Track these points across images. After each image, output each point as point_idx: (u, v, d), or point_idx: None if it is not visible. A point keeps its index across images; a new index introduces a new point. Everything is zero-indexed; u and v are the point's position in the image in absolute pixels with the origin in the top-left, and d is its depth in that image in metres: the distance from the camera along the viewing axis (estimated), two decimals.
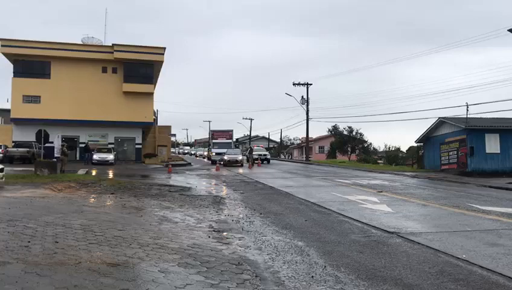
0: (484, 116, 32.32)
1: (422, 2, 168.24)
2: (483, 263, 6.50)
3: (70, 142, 36.37)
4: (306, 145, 59.97)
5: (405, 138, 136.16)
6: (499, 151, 28.82)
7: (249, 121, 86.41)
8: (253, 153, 43.20)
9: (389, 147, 62.18)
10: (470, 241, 8.15)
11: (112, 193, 14.41)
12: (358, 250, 7.29)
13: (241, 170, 31.53)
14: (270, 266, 6.21)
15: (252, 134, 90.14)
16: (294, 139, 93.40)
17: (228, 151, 40.43)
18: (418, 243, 7.88)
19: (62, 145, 24.62)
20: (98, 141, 39.85)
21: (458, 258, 6.81)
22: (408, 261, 6.63)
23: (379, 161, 56.52)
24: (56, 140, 25.42)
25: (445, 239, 8.23)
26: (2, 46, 36.11)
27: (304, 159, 59.34)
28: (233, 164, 37.23)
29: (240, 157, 38.94)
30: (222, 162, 37.71)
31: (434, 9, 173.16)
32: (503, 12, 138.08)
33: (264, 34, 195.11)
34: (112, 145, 39.36)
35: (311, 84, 53.43)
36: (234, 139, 59.22)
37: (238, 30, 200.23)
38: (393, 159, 53.63)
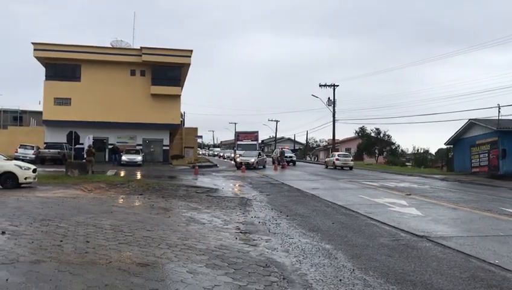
0: None
1: (444, 1, 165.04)
2: None
3: (99, 144, 37.07)
4: (332, 147, 59.45)
5: (434, 140, 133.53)
6: None
7: (275, 122, 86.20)
8: (278, 154, 43.09)
9: (418, 149, 60.89)
10: (503, 246, 7.95)
11: (141, 194, 14.63)
12: (387, 254, 7.20)
13: (267, 172, 31.54)
14: (297, 268, 6.19)
15: (278, 136, 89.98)
16: (320, 141, 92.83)
17: (244, 153, 39.79)
18: (449, 247, 7.73)
19: (89, 146, 25.09)
20: (127, 142, 40.44)
21: (491, 263, 6.65)
22: (438, 265, 6.51)
23: (407, 164, 55.56)
24: (87, 141, 25.93)
25: (476, 244, 8.05)
26: (34, 50, 37.11)
27: None
28: (245, 166, 34.62)
29: (253, 159, 36.21)
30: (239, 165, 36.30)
31: (456, 9, 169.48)
32: None
33: (287, 35, 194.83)
34: (140, 147, 39.95)
35: (337, 86, 52.92)
36: (260, 141, 59.23)
37: (261, 32, 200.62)
38: (421, 161, 52.65)
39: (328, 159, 42.19)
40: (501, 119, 29.36)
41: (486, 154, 30.36)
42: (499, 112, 29.14)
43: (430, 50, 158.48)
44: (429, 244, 8.03)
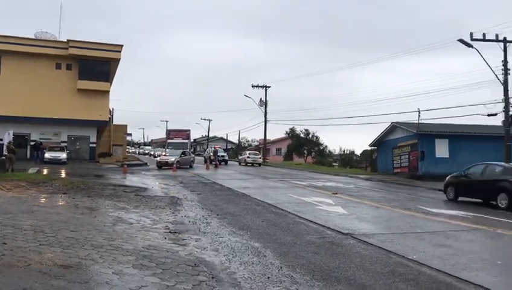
0: (435, 122, 33.57)
1: (376, 10, 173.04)
2: (432, 264, 6.77)
3: (20, 140, 34.92)
4: (263, 147, 60.33)
5: (360, 142, 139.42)
6: (448, 156, 30.03)
7: (207, 121, 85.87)
8: (210, 154, 43.23)
9: (344, 150, 63.55)
10: (420, 242, 8.46)
11: (64, 193, 13.98)
12: (314, 251, 7.42)
13: (199, 171, 31.35)
14: (226, 267, 6.22)
15: (210, 135, 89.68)
16: (252, 140, 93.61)
17: (168, 152, 39.33)
18: (371, 244, 8.11)
19: (9, 143, 23.64)
20: (51, 139, 38.43)
21: (409, 259, 7.06)
22: (361, 261, 6.81)
23: (334, 164, 57.71)
24: (7, 137, 24.38)
25: (396, 240, 8.51)
26: None
27: (262, 160, 59.64)
28: (164, 165, 33.69)
29: (173, 158, 34.66)
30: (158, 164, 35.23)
31: (382, 17, 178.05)
32: (456, 23, 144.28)
33: (224, 35, 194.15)
34: (65, 144, 38.14)
35: (269, 87, 53.83)
36: (192, 140, 58.67)
37: (197, 30, 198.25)
38: (347, 162, 54.93)
39: (241, 157, 49.40)
40: (421, 123, 31.23)
41: (407, 156, 32.18)
42: (419, 116, 31.00)
43: (358, 55, 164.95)
44: (353, 241, 8.37)
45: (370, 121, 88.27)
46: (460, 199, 16.94)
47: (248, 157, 46.11)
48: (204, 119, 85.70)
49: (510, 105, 24.01)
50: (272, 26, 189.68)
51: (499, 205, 14.65)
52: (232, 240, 8.06)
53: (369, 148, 43.81)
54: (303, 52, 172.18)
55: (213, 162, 39.57)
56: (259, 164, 45.33)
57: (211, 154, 42.93)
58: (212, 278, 5.59)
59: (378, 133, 36.43)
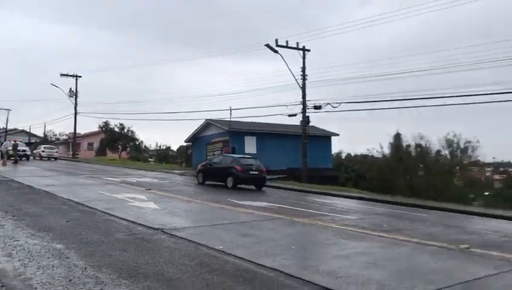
0: (245, 121, 35.85)
1: (196, 8, 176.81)
2: (237, 253, 7.19)
3: None
4: (73, 141, 56.45)
5: (177, 138, 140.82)
6: (255, 152, 32.38)
7: (6, 112, 76.41)
8: (8, 148, 38.52)
9: (160, 146, 63.49)
10: (227, 233, 8.93)
11: None
12: (122, 248, 7.19)
13: None
14: (21, 273, 5.59)
15: (10, 127, 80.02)
16: (60, 134, 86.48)
17: None
18: (181, 237, 8.23)
19: None
20: None
21: (216, 249, 7.37)
22: (170, 256, 6.85)
23: (150, 159, 57.27)
24: None
25: (205, 233, 8.82)
26: None
27: (71, 156, 55.77)
28: None
29: None
30: None
31: (205, 16, 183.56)
32: (269, 30, 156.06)
33: (30, 17, 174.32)
34: None
35: (80, 77, 50.79)
36: None
37: None
38: (164, 157, 55.07)
39: (36, 151, 48.69)
40: (232, 121, 33.04)
41: (220, 152, 33.68)
42: (231, 114, 32.77)
43: (176, 52, 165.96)
44: (164, 236, 8.38)
45: (187, 117, 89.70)
46: (207, 182, 21.60)
47: (43, 151, 46.16)
48: (2, 109, 76.15)
49: (307, 107, 27.06)
50: (86, 13, 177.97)
51: (228, 185, 19.97)
52: (30, 243, 7.29)
53: (185, 144, 44.65)
54: (122, 44, 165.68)
55: (12, 158, 35.42)
56: (56, 158, 45.42)
57: (9, 148, 38.28)
58: (2, 286, 4.98)
59: (194, 130, 37.36)
